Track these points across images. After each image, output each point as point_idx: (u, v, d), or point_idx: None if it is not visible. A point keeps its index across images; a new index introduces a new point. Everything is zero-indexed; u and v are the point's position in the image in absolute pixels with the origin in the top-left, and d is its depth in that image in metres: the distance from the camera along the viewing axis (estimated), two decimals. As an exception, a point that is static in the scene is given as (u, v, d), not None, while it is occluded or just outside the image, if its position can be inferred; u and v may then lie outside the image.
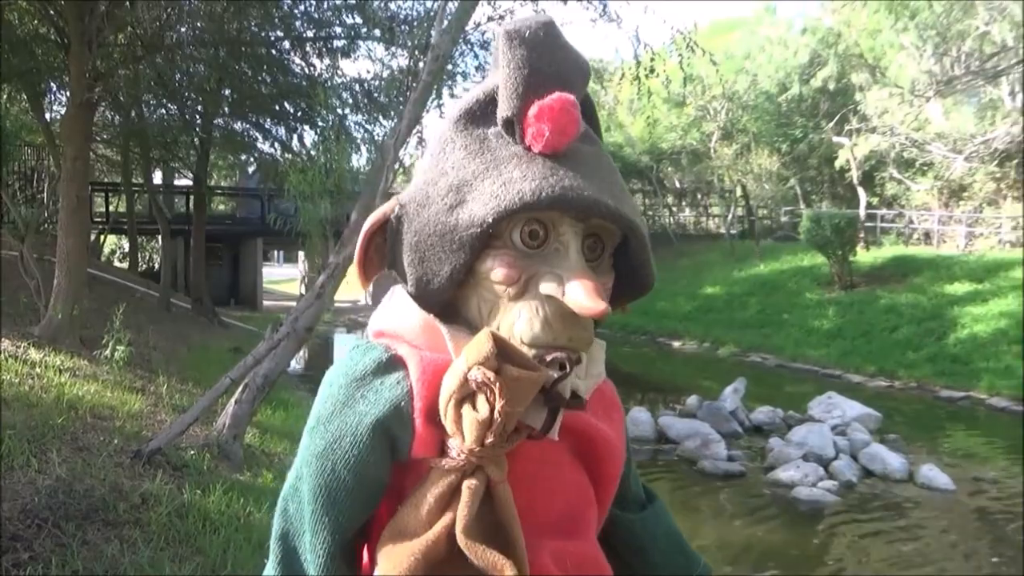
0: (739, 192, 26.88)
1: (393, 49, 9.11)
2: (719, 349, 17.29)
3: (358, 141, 11.46)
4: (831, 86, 25.09)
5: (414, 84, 5.93)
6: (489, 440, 0.73)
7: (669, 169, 29.33)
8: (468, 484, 0.76)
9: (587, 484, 0.88)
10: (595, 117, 0.86)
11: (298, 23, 11.53)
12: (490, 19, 8.33)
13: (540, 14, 0.82)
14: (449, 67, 8.63)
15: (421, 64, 6.18)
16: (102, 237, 23.58)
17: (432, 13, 6.58)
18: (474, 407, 0.73)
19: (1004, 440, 10.07)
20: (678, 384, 13.33)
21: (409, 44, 7.83)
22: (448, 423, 0.75)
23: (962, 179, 22.91)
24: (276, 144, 15.70)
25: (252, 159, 18.59)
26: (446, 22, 5.61)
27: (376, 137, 10.91)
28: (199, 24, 10.37)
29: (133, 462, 4.40)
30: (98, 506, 3.55)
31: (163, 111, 14.40)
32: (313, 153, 12.76)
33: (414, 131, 5.89)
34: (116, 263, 25.01)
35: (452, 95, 10.77)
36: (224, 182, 26.97)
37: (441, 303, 0.80)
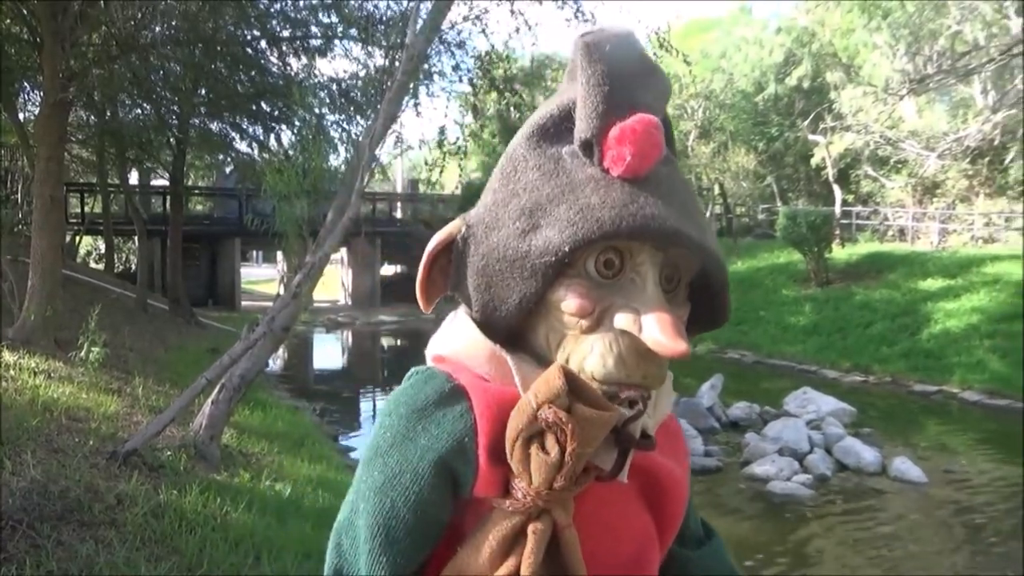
0: (717, 190, 27.04)
1: (369, 48, 9.12)
2: (697, 346, 17.33)
3: (335, 140, 11.44)
4: (806, 85, 25.34)
5: (390, 83, 5.95)
6: (559, 483, 0.69)
7: (647, 167, 29.41)
8: (534, 528, 0.71)
9: (651, 525, 0.83)
10: (672, 135, 0.80)
11: (274, 22, 11.50)
12: (465, 19, 8.37)
13: (619, 25, 0.76)
14: (425, 67, 8.65)
15: (397, 63, 6.20)
16: (77, 238, 23.36)
17: (407, 12, 6.59)
18: (543, 447, 0.69)
19: (976, 433, 10.24)
20: (656, 381, 13.39)
21: (385, 43, 7.85)
22: (514, 463, 0.71)
23: (935, 176, 23.19)
24: (253, 144, 15.66)
25: (229, 159, 18.51)
26: (421, 22, 5.63)
27: (354, 136, 10.91)
28: (174, 23, 10.31)
29: (109, 463, 4.38)
30: (73, 507, 3.54)
31: (139, 111, 14.31)
32: (291, 153, 12.73)
33: (390, 130, 5.90)
34: (92, 264, 24.78)
35: (429, 94, 10.80)
36: (201, 182, 26.78)
37: (507, 330, 0.76)
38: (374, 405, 13.17)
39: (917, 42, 19.74)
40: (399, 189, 34.48)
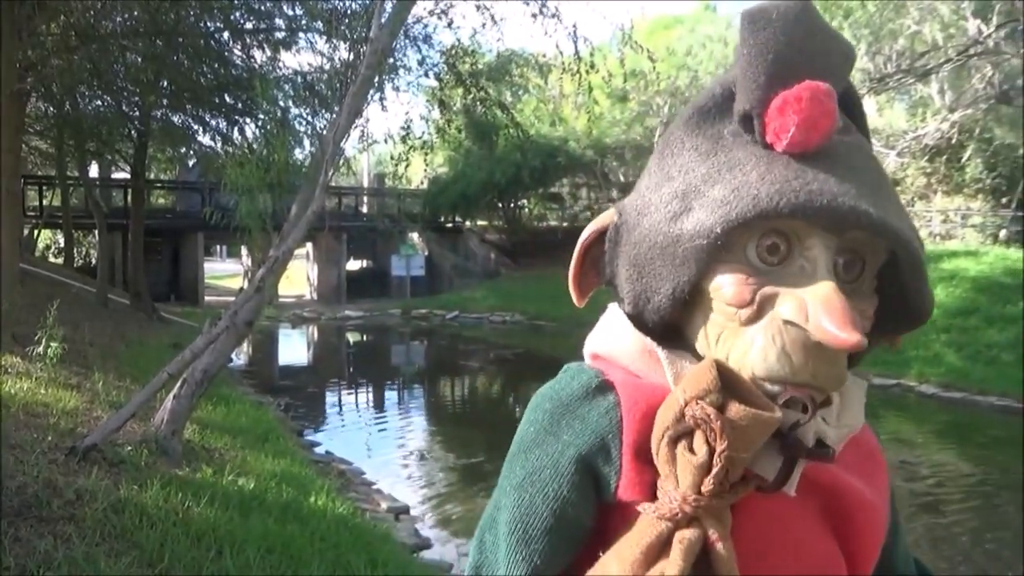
0: (682, 186, 27.30)
1: (334, 42, 9.09)
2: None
3: (300, 134, 11.37)
4: (770, 82, 25.62)
5: (354, 77, 5.94)
6: (707, 487, 0.63)
7: (614, 163, 29.62)
8: (680, 537, 0.64)
9: (836, 554, 0.73)
10: (859, 109, 0.72)
11: (237, 14, 11.39)
12: (431, 13, 8.36)
13: None
14: (391, 61, 8.64)
15: (362, 57, 6.19)
16: (36, 232, 22.95)
17: (372, 6, 6.58)
18: (691, 448, 0.63)
19: (932, 425, 10.48)
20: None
21: (349, 37, 7.82)
22: (660, 463, 0.65)
23: (894, 174, 23.60)
24: (216, 137, 15.49)
25: (192, 152, 18.29)
26: (385, 16, 5.63)
27: (318, 130, 10.85)
28: (135, 13, 10.17)
29: (68, 459, 4.34)
30: (31, 503, 3.50)
31: (99, 102, 14.09)
32: (255, 146, 12.63)
33: (354, 125, 5.89)
34: (51, 258, 24.37)
35: (394, 88, 10.78)
36: (164, 175, 26.45)
37: (662, 324, 0.70)
38: (339, 400, 13.13)
39: (877, 42, 20.05)
40: (365, 184, 34.31)
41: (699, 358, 0.69)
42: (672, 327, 0.71)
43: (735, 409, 0.61)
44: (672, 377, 0.70)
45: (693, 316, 0.69)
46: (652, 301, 0.69)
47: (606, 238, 0.73)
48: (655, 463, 0.67)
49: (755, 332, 0.64)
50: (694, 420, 0.62)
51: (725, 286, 0.65)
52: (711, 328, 0.67)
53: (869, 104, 22.27)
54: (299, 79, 11.48)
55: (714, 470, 0.62)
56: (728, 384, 0.63)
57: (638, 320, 0.72)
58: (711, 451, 0.62)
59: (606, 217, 0.74)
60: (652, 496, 0.67)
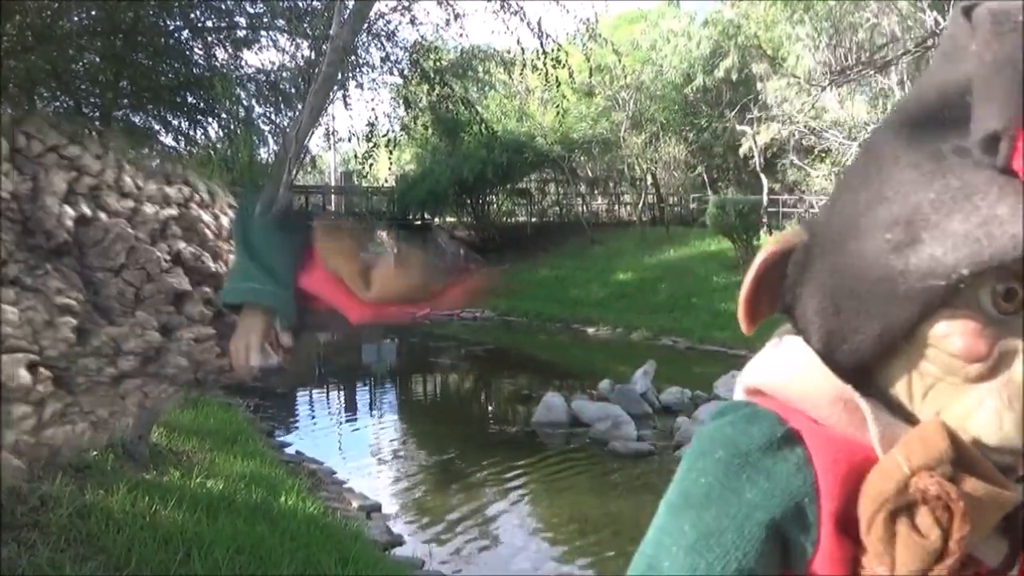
0: (649, 180, 27.49)
1: (297, 39, 9.02)
2: (632, 333, 17.69)
3: (264, 132, 11.27)
4: (733, 76, 25.87)
5: (317, 75, 5.89)
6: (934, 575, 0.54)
7: (582, 158, 29.70)
8: None
9: None
10: None
11: (198, 12, 11.26)
12: (394, 10, 8.33)
13: None
14: (353, 58, 8.59)
15: (324, 54, 6.15)
16: (-5, 236, 22.57)
17: (332, 3, 6.55)
18: (915, 527, 0.54)
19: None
20: (592, 369, 13.59)
21: (311, 34, 7.78)
22: (873, 541, 0.56)
23: (857, 165, 23.93)
24: (179, 137, 15.30)
25: (154, 152, 18.05)
26: (346, 13, 5.59)
27: (283, 128, 10.76)
28: (92, 12, 10.01)
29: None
30: (-7, 510, 3.46)
31: (57, 103, 13.85)
32: (218, 146, 12.50)
33: (318, 123, 5.86)
34: (11, 263, 23.97)
35: (358, 86, 10.72)
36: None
37: (853, 368, 0.61)
38: (310, 400, 13.06)
39: (838, 34, 20.34)
40: (332, 182, 34.12)
41: (901, 413, 0.60)
42: (864, 371, 0.61)
43: (972, 484, 0.53)
44: (878, 437, 0.58)
45: (892, 362, 0.60)
46: (850, 341, 0.60)
47: (791, 260, 0.64)
48: (861, 538, 0.57)
49: (985, 393, 0.55)
50: (922, 495, 0.54)
51: (955, 335, 0.56)
52: (918, 380, 0.58)
53: (831, 96, 22.59)
54: (262, 77, 11.38)
55: (949, 559, 0.53)
56: (959, 454, 0.54)
57: (829, 359, 0.62)
58: (944, 533, 0.53)
59: (792, 236, 0.64)
60: (848, 572, 0.59)
